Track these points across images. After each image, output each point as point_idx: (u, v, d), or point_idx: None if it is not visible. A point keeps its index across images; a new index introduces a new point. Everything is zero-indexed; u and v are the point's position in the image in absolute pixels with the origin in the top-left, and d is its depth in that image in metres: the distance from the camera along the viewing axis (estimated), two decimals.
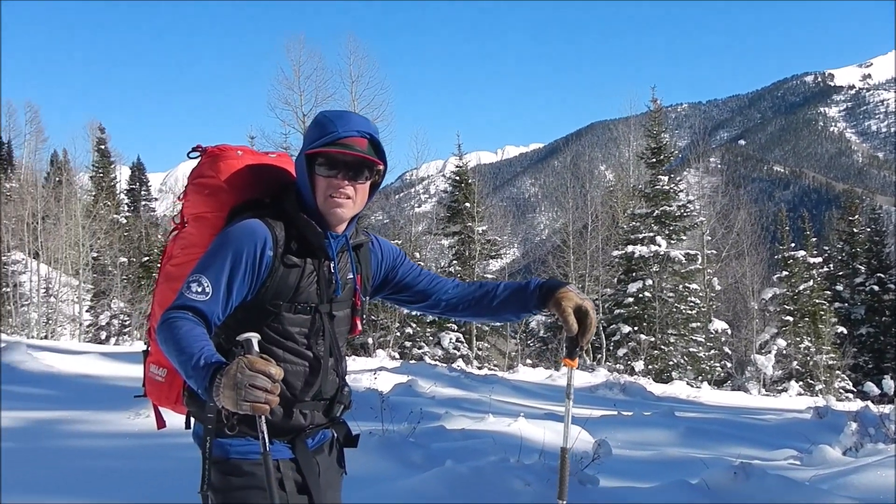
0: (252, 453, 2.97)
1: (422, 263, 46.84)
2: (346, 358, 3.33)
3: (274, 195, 3.13)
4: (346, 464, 3.40)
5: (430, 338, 40.38)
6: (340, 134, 2.97)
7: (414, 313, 41.80)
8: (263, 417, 2.70)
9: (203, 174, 3.14)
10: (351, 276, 3.19)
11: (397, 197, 53.69)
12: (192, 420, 3.18)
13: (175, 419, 3.40)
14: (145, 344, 3.40)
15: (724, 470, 7.96)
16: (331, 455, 3.29)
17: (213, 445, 2.99)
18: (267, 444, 2.74)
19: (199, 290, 2.87)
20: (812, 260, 42.02)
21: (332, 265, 3.10)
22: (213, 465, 3.01)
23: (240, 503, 2.97)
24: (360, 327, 3.29)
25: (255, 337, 2.73)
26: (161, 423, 3.48)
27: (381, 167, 3.12)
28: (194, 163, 3.25)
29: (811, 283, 40.86)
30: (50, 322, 45.95)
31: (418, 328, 40.37)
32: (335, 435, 3.33)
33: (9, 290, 46.40)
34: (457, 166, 45.05)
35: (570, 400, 3.42)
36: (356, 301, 3.25)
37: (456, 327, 39.94)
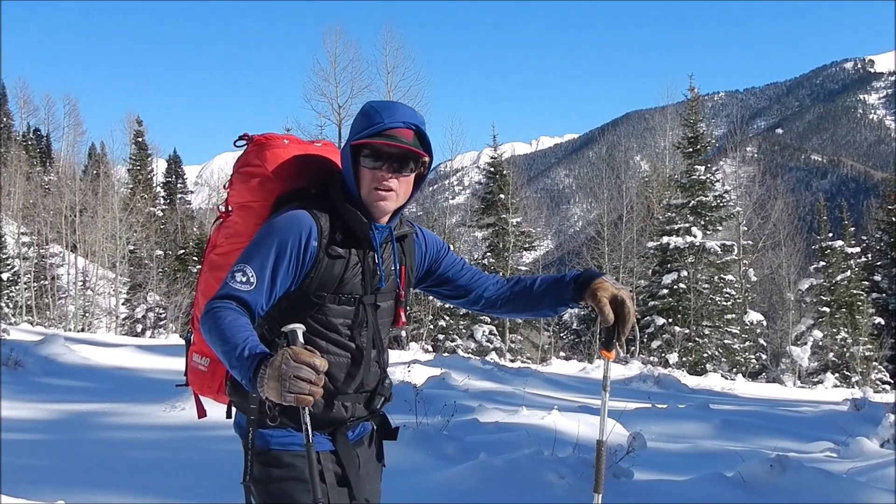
0: (293, 445, 2.99)
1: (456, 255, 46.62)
2: (388, 350, 3.33)
3: (319, 185, 3.13)
4: (384, 456, 3.39)
5: (463, 330, 40.34)
6: (386, 125, 2.95)
7: (447, 306, 41.86)
8: (307, 409, 2.71)
9: (249, 163, 3.14)
10: (395, 268, 3.18)
11: (431, 189, 53.33)
12: (234, 410, 3.20)
13: (215, 410, 3.41)
14: (188, 333, 3.41)
15: (760, 462, 7.92)
16: (370, 447, 3.30)
17: (256, 436, 3.01)
18: (310, 436, 2.73)
19: (244, 279, 2.87)
20: (850, 250, 41.55)
21: (376, 256, 3.09)
22: (254, 455, 3.02)
23: (280, 495, 2.98)
24: (403, 319, 3.27)
25: (300, 328, 2.74)
26: (202, 412, 3.49)
27: (427, 159, 3.10)
28: (231, 155, 3.26)
29: (849, 273, 40.40)
30: (87, 315, 46.38)
31: (451, 321, 40.35)
32: (374, 427, 3.34)
33: (47, 282, 46.89)
34: (491, 157, 44.89)
35: (606, 392, 3.37)
36: (400, 292, 3.24)
37: (489, 320, 39.84)
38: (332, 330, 3.04)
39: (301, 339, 2.72)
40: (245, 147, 3.19)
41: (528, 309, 3.47)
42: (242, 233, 3.14)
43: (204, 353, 3.22)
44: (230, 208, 3.25)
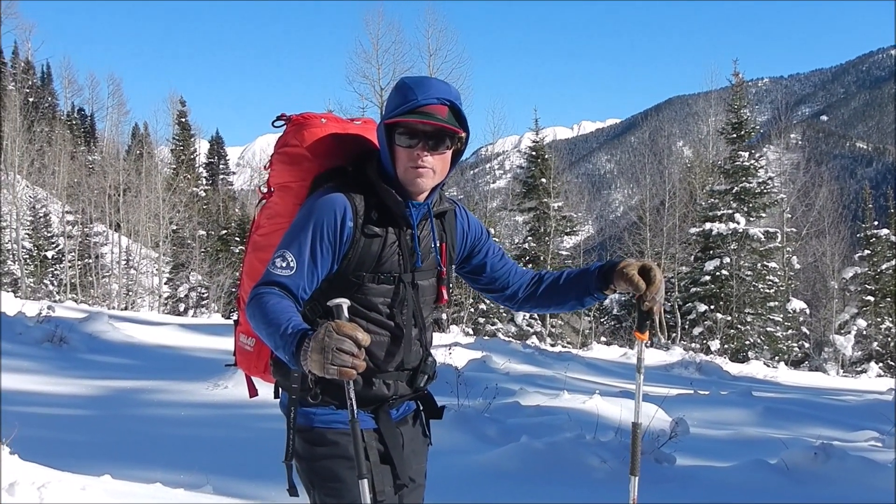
0: (336, 422, 2.99)
1: (496, 239, 46.87)
2: (432, 328, 3.32)
3: (356, 164, 3.12)
4: (430, 434, 3.39)
5: (504, 314, 40.32)
6: (420, 102, 2.92)
7: None
8: (351, 383, 2.71)
9: (288, 143, 3.13)
10: (434, 245, 3.16)
11: (472, 172, 53.24)
12: (280, 390, 3.20)
13: (265, 389, 3.43)
14: (235, 314, 3.43)
15: (803, 450, 7.87)
16: (415, 426, 3.29)
17: (300, 414, 3.02)
18: (355, 410, 2.73)
19: (284, 265, 2.88)
20: (895, 238, 41.07)
21: (413, 234, 3.07)
22: (297, 433, 3.03)
23: (325, 472, 2.99)
24: (445, 297, 3.24)
25: (345, 302, 2.74)
26: (253, 391, 3.51)
27: (463, 135, 3.05)
28: (273, 137, 3.27)
29: (894, 262, 39.90)
30: (130, 293, 46.84)
31: (492, 305, 40.33)
32: (420, 406, 3.33)
33: (91, 261, 47.39)
34: (533, 141, 44.74)
35: (640, 375, 3.36)
36: (441, 270, 3.22)
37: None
38: (372, 309, 3.03)
39: (346, 313, 2.73)
40: (284, 127, 3.18)
41: (555, 303, 3.45)
42: (283, 213, 3.14)
43: (250, 333, 3.23)
44: (271, 189, 3.25)
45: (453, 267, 3.33)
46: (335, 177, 3.06)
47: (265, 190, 3.30)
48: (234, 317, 3.40)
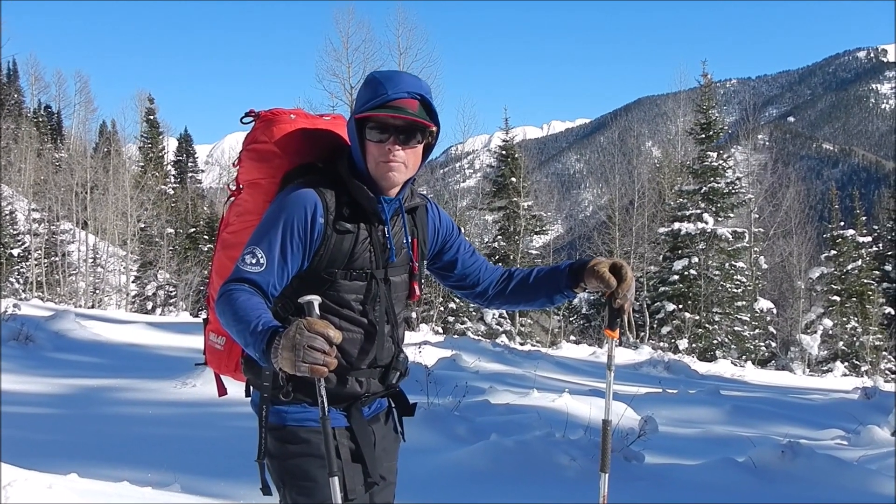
0: (308, 420, 2.98)
1: (466, 238, 46.79)
2: (405, 325, 3.30)
3: (327, 160, 3.10)
4: (404, 432, 3.39)
5: (474, 313, 40.37)
6: (390, 96, 2.90)
7: None
8: (322, 381, 2.70)
9: (256, 139, 3.11)
10: (406, 240, 3.14)
11: (442, 171, 53.25)
12: (251, 388, 3.18)
13: (235, 388, 3.40)
14: (205, 313, 3.40)
15: (771, 448, 7.93)
16: (387, 424, 3.28)
17: (271, 412, 3.01)
18: (326, 408, 2.74)
19: (254, 261, 2.87)
20: (861, 239, 41.37)
21: (385, 230, 3.05)
22: (269, 431, 3.02)
23: (296, 471, 2.97)
24: (418, 292, 3.24)
25: (316, 299, 2.74)
26: (222, 390, 3.48)
27: (434, 129, 3.05)
28: (241, 135, 3.24)
29: (859, 262, 40.25)
30: (97, 291, 46.52)
31: (461, 303, 40.38)
32: (392, 404, 3.32)
33: (57, 259, 47.03)
34: (503, 140, 44.84)
35: (611, 372, 3.37)
36: (413, 265, 3.21)
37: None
38: (345, 306, 3.01)
39: (317, 310, 2.74)
40: (253, 124, 3.16)
41: (525, 301, 3.45)
42: (252, 210, 3.12)
43: (220, 331, 3.19)
44: (240, 186, 3.23)
45: (425, 263, 3.32)
46: (305, 173, 3.04)
47: (234, 187, 3.28)
48: (204, 315, 3.38)
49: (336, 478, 2.75)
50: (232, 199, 3.29)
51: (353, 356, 3.04)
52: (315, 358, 2.51)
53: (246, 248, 2.92)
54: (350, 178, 3.00)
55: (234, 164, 3.27)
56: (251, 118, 3.16)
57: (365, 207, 3.00)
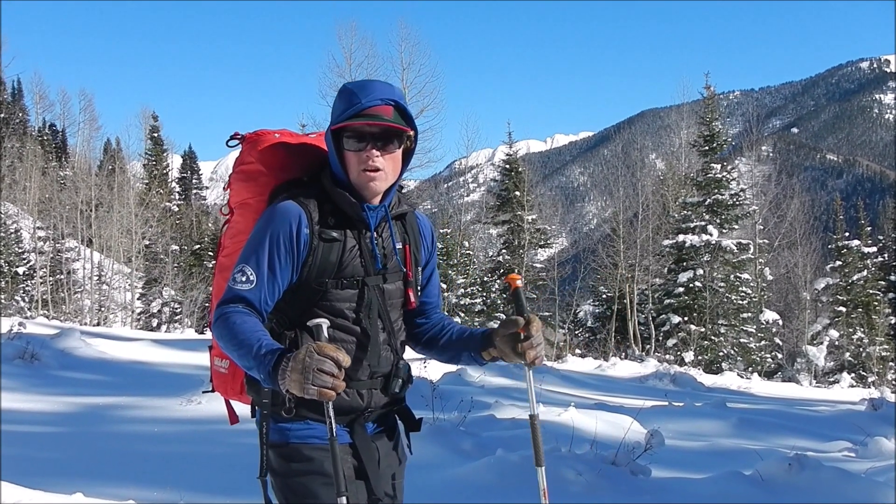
0: (312, 437, 2.98)
1: (470, 252, 47.17)
2: (404, 332, 3.29)
3: (312, 174, 3.13)
4: (411, 446, 3.39)
5: (479, 327, 40.34)
6: (364, 104, 2.94)
7: (462, 302, 41.85)
8: (331, 403, 2.73)
9: (244, 161, 3.15)
10: (394, 247, 3.15)
11: (446, 186, 53.38)
12: (256, 408, 3.18)
13: (242, 407, 3.40)
14: (208, 331, 3.41)
15: (778, 461, 7.89)
16: (391, 440, 3.27)
17: (273, 430, 3.02)
18: (334, 430, 2.75)
19: (244, 279, 2.90)
20: (866, 249, 41.41)
21: (371, 237, 3.06)
22: (272, 449, 3.02)
23: (300, 488, 2.97)
24: (413, 299, 3.22)
25: (325, 323, 2.77)
26: (234, 418, 3.47)
27: (411, 133, 3.07)
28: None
29: (865, 273, 40.29)
30: (102, 309, 46.50)
31: (466, 317, 40.37)
32: (398, 419, 3.32)
33: (62, 277, 47.03)
34: (507, 154, 44.93)
35: (529, 371, 3.32)
36: (407, 272, 3.21)
37: (504, 317, 39.85)
38: (339, 315, 3.02)
39: (326, 333, 2.77)
40: (240, 146, 3.19)
41: (446, 357, 3.40)
42: (245, 231, 3.13)
43: (223, 355, 3.22)
44: (232, 209, 3.26)
45: (419, 269, 3.31)
46: (290, 188, 3.07)
47: (227, 211, 3.31)
48: (209, 339, 3.38)
49: (344, 497, 2.75)
50: (226, 223, 3.32)
51: (349, 366, 3.03)
52: (324, 381, 2.56)
53: (236, 267, 2.95)
54: (333, 187, 3.03)
55: (224, 188, 3.29)
56: (237, 141, 3.20)
57: (350, 215, 3.02)
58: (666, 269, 40.81)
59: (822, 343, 36.81)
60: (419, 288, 3.33)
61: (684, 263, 37.82)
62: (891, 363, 37.92)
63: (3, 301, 39.50)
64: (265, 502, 3.05)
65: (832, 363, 37.06)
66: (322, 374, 2.55)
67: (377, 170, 2.97)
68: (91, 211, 48.24)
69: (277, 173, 3.12)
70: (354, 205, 3.00)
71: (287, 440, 3.00)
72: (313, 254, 2.97)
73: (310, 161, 3.17)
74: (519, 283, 3.30)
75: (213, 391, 3.40)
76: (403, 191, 3.16)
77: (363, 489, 3.01)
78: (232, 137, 3.21)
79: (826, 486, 7.46)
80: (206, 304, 40.93)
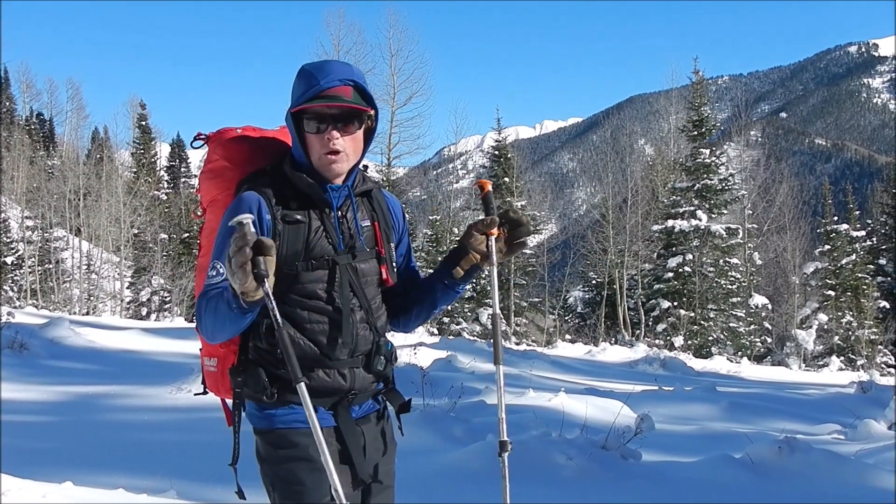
0: (297, 422, 2.97)
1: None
2: (384, 310, 3.25)
3: (273, 163, 3.13)
4: (402, 428, 3.38)
5: (469, 314, 40.37)
6: (323, 86, 2.93)
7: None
8: (304, 387, 2.74)
9: (210, 159, 3.18)
10: (357, 225, 3.13)
11: (435, 173, 53.34)
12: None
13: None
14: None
15: (768, 444, 7.92)
16: (378, 425, 3.25)
17: (259, 417, 3.04)
18: (314, 419, 2.74)
19: (215, 273, 2.89)
20: (855, 233, 41.47)
21: (335, 216, 3.06)
22: (259, 436, 3.04)
23: (286, 474, 2.98)
24: (386, 276, 3.20)
25: (247, 217, 2.64)
26: (231, 421, 3.39)
27: (372, 113, 3.06)
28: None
29: (854, 257, 40.35)
30: (91, 298, 46.42)
31: (457, 304, 40.37)
32: (385, 402, 3.30)
33: (51, 266, 46.92)
34: (496, 141, 44.87)
35: (494, 267, 3.18)
36: (379, 249, 3.20)
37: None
38: (312, 297, 3.02)
39: (251, 227, 2.67)
40: (205, 146, 3.20)
41: (430, 305, 3.32)
42: (216, 228, 3.12)
43: (211, 354, 3.21)
44: (204, 209, 3.27)
45: (392, 246, 3.28)
46: (253, 179, 3.07)
47: (199, 213, 3.31)
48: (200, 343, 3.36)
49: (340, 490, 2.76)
50: (201, 223, 3.33)
51: (325, 345, 3.02)
52: (240, 256, 2.54)
53: (210, 265, 2.94)
54: (293, 171, 3.03)
55: (195, 190, 3.29)
56: (201, 141, 3.20)
57: (311, 196, 3.02)
58: (655, 254, 40.91)
59: (811, 327, 36.89)
60: (394, 266, 3.30)
61: (673, 248, 37.90)
62: (880, 346, 38.04)
63: None
64: (237, 489, 3.11)
65: (821, 347, 37.15)
66: (237, 253, 2.54)
67: (338, 152, 2.98)
68: (79, 200, 48.13)
69: (242, 167, 3.13)
70: (313, 185, 3.00)
71: (273, 426, 3.01)
72: (279, 238, 2.96)
73: (274, 153, 3.18)
74: (489, 187, 3.28)
75: (206, 393, 3.39)
76: (369, 171, 3.14)
77: (347, 474, 3.00)
78: (196, 138, 3.21)
79: (816, 468, 7.49)
80: (195, 294, 40.91)
